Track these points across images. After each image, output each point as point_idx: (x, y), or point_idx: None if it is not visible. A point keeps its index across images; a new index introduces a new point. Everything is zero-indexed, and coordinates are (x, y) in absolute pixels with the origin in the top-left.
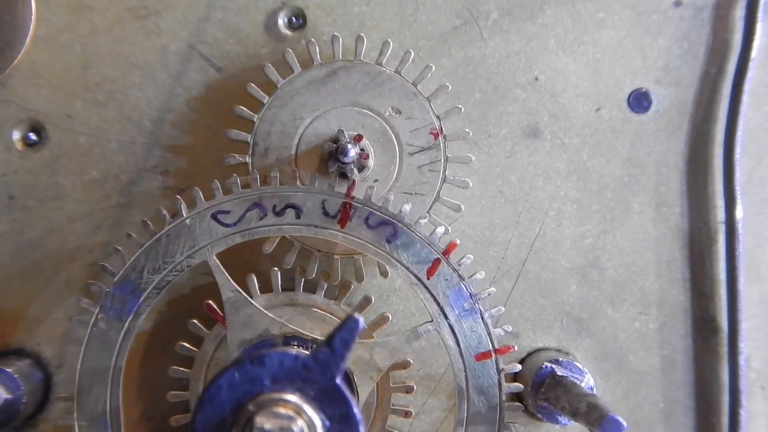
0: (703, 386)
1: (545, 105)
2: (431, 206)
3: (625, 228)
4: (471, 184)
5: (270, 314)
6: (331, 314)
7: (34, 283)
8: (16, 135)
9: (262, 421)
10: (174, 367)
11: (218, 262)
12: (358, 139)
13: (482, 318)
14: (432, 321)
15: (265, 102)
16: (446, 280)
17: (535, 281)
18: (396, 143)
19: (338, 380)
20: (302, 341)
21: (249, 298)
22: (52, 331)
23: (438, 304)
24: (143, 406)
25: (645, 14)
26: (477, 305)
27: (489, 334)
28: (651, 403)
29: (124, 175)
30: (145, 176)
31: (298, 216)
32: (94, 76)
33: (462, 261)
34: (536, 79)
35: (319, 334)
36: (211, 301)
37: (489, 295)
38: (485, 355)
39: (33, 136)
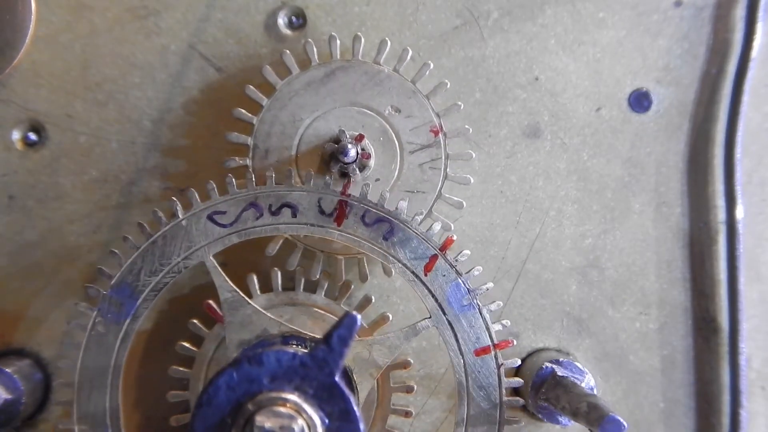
0: (703, 386)
1: (545, 105)
2: (433, 204)
3: (625, 228)
4: (472, 181)
5: (268, 314)
6: (332, 314)
7: (34, 283)
8: (16, 135)
9: (262, 420)
10: (174, 367)
11: (215, 263)
12: (359, 139)
13: (480, 313)
14: (430, 317)
15: (264, 104)
16: (444, 276)
17: (535, 281)
18: (396, 142)
19: (337, 377)
20: (301, 340)
21: (247, 299)
22: (52, 331)
23: (436, 300)
24: (143, 406)
25: (645, 14)
26: (475, 300)
27: (488, 329)
28: (651, 403)
29: (124, 175)
30: (144, 176)
31: (294, 215)
32: (94, 76)
33: (459, 257)
34: (536, 79)
35: (318, 333)
36: (211, 301)
37: (487, 290)
38: (484, 350)
39: (33, 136)
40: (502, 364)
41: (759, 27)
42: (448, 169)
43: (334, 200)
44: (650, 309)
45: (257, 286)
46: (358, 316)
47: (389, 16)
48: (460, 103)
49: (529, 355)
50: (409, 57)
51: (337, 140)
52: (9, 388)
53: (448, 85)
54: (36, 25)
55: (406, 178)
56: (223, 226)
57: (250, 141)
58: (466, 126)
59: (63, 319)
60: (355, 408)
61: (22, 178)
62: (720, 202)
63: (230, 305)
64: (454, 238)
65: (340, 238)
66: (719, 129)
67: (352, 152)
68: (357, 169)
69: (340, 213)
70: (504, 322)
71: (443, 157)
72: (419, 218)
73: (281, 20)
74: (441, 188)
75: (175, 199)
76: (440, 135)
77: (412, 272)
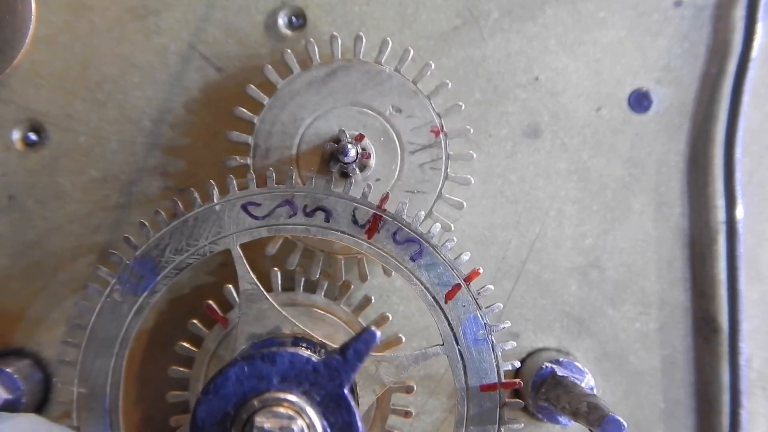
0: (703, 386)
1: (545, 105)
2: (433, 204)
3: (625, 228)
4: (473, 181)
5: (284, 312)
6: (332, 314)
7: (34, 283)
8: (16, 135)
9: (262, 420)
10: (174, 367)
11: (240, 252)
12: (359, 138)
13: (493, 350)
14: (443, 344)
15: (265, 103)
16: (463, 306)
17: (535, 281)
18: (397, 142)
19: (346, 390)
20: (311, 344)
21: (265, 293)
22: (52, 331)
23: (452, 328)
24: (143, 406)
25: (645, 14)
26: (490, 336)
27: (497, 366)
28: (651, 404)
29: (124, 175)
30: (144, 176)
31: (327, 220)
32: (94, 76)
33: (482, 290)
34: (536, 79)
35: (320, 335)
36: (211, 301)
37: (504, 328)
38: (490, 387)
39: (33, 136)
40: (505, 404)
41: (759, 27)
42: (448, 170)
43: (369, 212)
44: (650, 309)
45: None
46: (378, 333)
47: (389, 16)
48: (461, 103)
49: (529, 355)
50: (410, 57)
51: (337, 140)
52: (9, 388)
53: (450, 86)
54: (36, 25)
55: (406, 178)
56: (256, 218)
57: (250, 140)
58: (467, 126)
59: (63, 319)
60: (359, 423)
61: (22, 178)
62: (720, 202)
63: (248, 297)
64: (481, 271)
65: (368, 250)
66: (719, 129)
67: (352, 152)
68: (357, 169)
69: (372, 226)
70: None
71: (444, 158)
72: (450, 245)
73: (281, 20)
74: (441, 188)
75: (212, 182)
76: (441, 135)
77: (433, 297)
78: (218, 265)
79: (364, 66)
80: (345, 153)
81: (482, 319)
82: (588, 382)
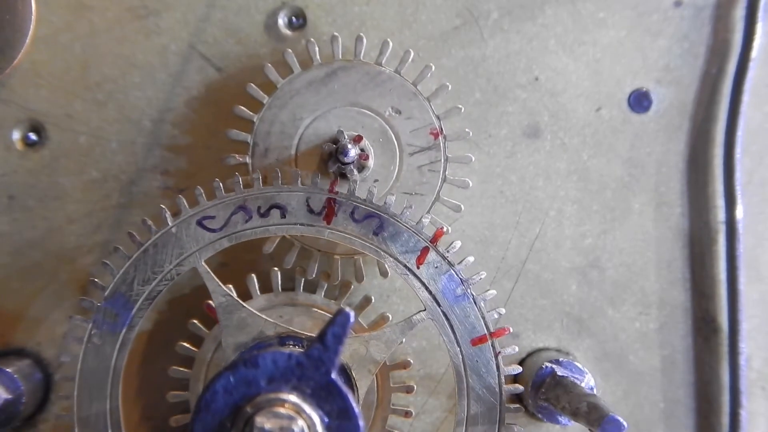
0: (703, 386)
1: (545, 105)
2: (431, 206)
3: (625, 228)
4: (471, 184)
5: (263, 316)
6: (331, 314)
7: (34, 283)
8: (16, 135)
9: (261, 421)
10: (174, 367)
11: (207, 268)
12: (358, 139)
13: (475, 303)
14: (425, 309)
15: (264, 102)
16: (436, 267)
17: (535, 281)
18: (396, 143)
19: (333, 375)
20: (298, 340)
21: (240, 302)
22: (52, 331)
23: (429, 292)
24: (143, 406)
25: (645, 14)
26: (469, 290)
27: (483, 317)
28: (651, 403)
29: (124, 175)
30: (145, 176)
31: (283, 215)
32: (94, 76)
33: (450, 248)
34: (536, 79)
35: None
36: (210, 302)
37: (480, 279)
38: (481, 339)
39: (33, 136)
40: (499, 352)
41: (759, 27)
42: (447, 172)
43: (323, 198)
44: (650, 309)
45: (257, 287)
46: (352, 313)
47: (389, 16)
48: (460, 105)
49: (529, 355)
50: (411, 59)
51: (336, 140)
52: (9, 388)
53: (450, 88)
54: (36, 25)
55: (404, 179)
56: (213, 230)
57: (250, 139)
58: (467, 129)
59: (63, 319)
60: (354, 405)
61: (22, 178)
62: (720, 202)
63: (225, 309)
64: (444, 229)
65: (330, 236)
66: (719, 129)
67: (351, 153)
68: (355, 170)
69: (329, 211)
70: (499, 310)
71: (443, 160)
72: (408, 212)
73: (281, 20)
74: (439, 191)
75: (163, 207)
76: (440, 138)
77: (405, 266)
78: (218, 266)
79: (364, 67)
80: (344, 153)
81: (457, 275)
82: (588, 382)
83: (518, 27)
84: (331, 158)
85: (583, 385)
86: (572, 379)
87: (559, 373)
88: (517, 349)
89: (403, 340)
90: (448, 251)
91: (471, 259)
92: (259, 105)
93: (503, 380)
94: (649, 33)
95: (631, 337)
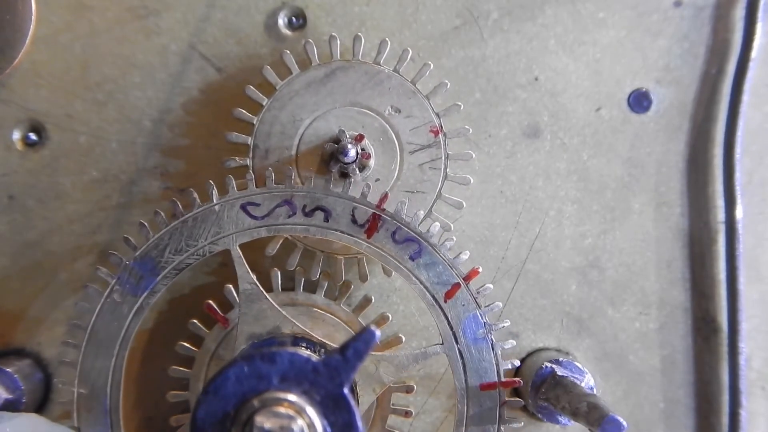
0: (703, 386)
1: (545, 105)
2: (433, 204)
3: (625, 228)
4: (472, 181)
5: (283, 312)
6: (332, 314)
7: (34, 283)
8: (16, 135)
9: (262, 420)
10: (174, 367)
11: (240, 252)
12: (359, 139)
13: (493, 349)
14: (443, 343)
15: (264, 104)
16: (463, 305)
17: (535, 281)
18: (396, 142)
19: (346, 389)
20: (311, 344)
21: (265, 293)
22: (52, 331)
23: (451, 327)
24: (143, 406)
25: (645, 14)
26: (490, 335)
27: (497, 365)
28: (651, 403)
29: (124, 175)
30: (145, 176)
31: (326, 219)
32: (94, 76)
33: (482, 289)
34: (536, 79)
35: (320, 335)
36: (211, 301)
37: (504, 327)
38: (490, 386)
39: (33, 136)
40: (504, 402)
41: (759, 27)
42: (447, 170)
43: (368, 212)
44: (650, 309)
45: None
46: (377, 332)
47: (389, 16)
48: (460, 103)
49: (529, 354)
50: (409, 57)
51: (336, 140)
52: (9, 388)
53: (449, 86)
54: (36, 25)
55: (405, 178)
56: (255, 218)
57: (250, 141)
58: (466, 126)
59: (63, 319)
60: (359, 423)
61: (22, 178)
62: (720, 202)
63: (248, 297)
64: (480, 270)
65: (368, 250)
66: (719, 129)
67: (352, 152)
68: (357, 169)
69: (372, 225)
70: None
71: (443, 158)
72: (449, 244)
73: (281, 20)
74: (441, 188)
75: (212, 182)
76: (440, 135)
77: (433, 297)
78: (218, 265)
79: (363, 66)
80: (345, 153)
81: (482, 318)
82: (588, 382)
83: (518, 27)
84: (332, 158)
85: (583, 385)
86: (572, 379)
87: (559, 373)
88: (519, 362)
89: (415, 371)
90: (478, 292)
91: (466, 255)
92: (258, 106)
93: (502, 430)
94: (649, 33)
95: (631, 337)
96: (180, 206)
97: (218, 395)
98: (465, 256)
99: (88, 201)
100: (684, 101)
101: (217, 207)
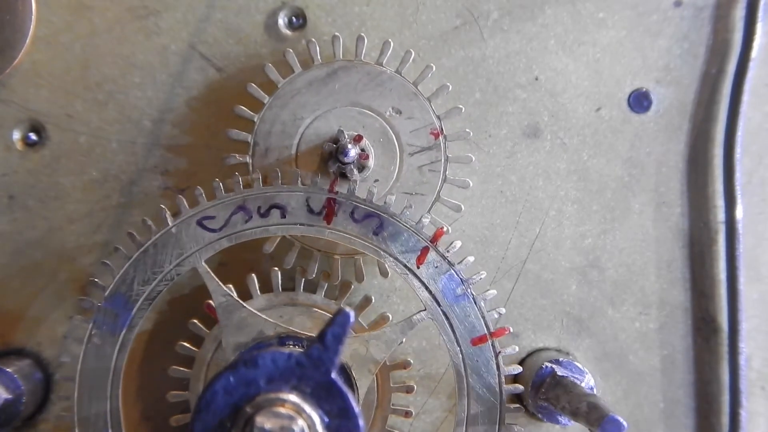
0: (703, 386)
1: (545, 105)
2: (431, 206)
3: (625, 228)
4: (471, 184)
5: (263, 316)
6: (332, 314)
7: (34, 283)
8: (16, 135)
9: (262, 420)
10: (174, 367)
11: (207, 268)
12: (358, 139)
13: (475, 302)
14: (425, 309)
15: (265, 102)
16: (436, 267)
17: (535, 281)
18: (396, 143)
19: (333, 375)
20: (298, 340)
21: (240, 302)
22: (52, 331)
23: (429, 291)
24: (143, 406)
25: (645, 14)
26: (469, 290)
27: (483, 317)
28: (651, 403)
29: (124, 175)
30: (145, 176)
31: (283, 216)
32: (94, 76)
33: (450, 247)
34: (536, 79)
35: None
36: (211, 301)
37: (480, 279)
38: (481, 339)
39: (33, 136)
40: (499, 351)
41: (759, 27)
42: (447, 172)
43: (323, 198)
44: (650, 309)
45: (257, 287)
46: (351, 312)
47: (389, 17)
48: (461, 106)
49: (529, 354)
50: (411, 59)
51: (336, 140)
52: (9, 387)
53: (450, 88)
54: (36, 25)
55: (405, 179)
56: (213, 231)
57: (250, 138)
58: (467, 129)
59: (63, 319)
60: (354, 405)
61: (22, 178)
62: (720, 202)
63: (225, 309)
64: (444, 229)
65: (330, 236)
66: (719, 129)
67: (352, 152)
68: (356, 170)
69: (329, 211)
70: (499, 309)
71: (443, 160)
72: (408, 212)
73: (281, 20)
74: (440, 191)
75: (163, 207)
76: (440, 138)
77: (404, 265)
78: (218, 265)
79: (364, 67)
80: (344, 153)
81: (457, 275)
82: (588, 382)
83: (518, 27)
84: (331, 158)
85: (583, 385)
86: (572, 379)
87: (559, 373)
88: (517, 348)
89: (404, 339)
90: (448, 251)
91: (471, 258)
92: (259, 105)
93: (503, 380)
94: (649, 33)
95: (631, 337)
96: (137, 236)
97: (210, 411)
98: (426, 220)
99: (88, 201)
100: (684, 101)
101: (173, 229)
